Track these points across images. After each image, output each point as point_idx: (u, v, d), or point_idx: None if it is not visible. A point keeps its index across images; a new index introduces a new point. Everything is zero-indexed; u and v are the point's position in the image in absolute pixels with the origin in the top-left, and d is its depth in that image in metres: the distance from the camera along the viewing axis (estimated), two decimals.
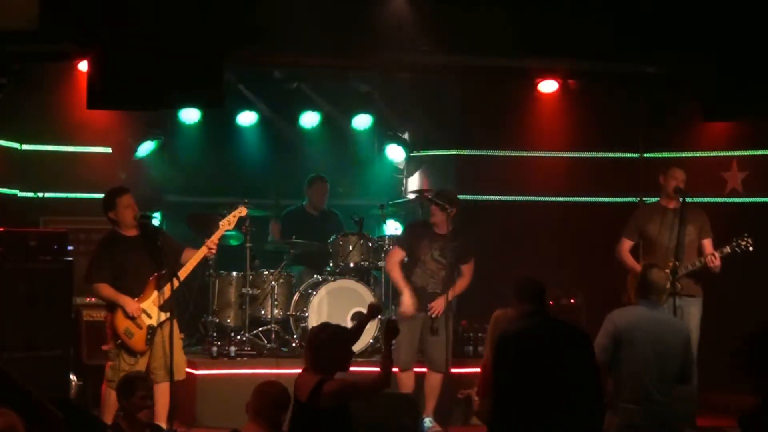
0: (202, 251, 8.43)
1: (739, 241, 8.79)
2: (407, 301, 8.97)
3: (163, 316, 8.14)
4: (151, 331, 8.16)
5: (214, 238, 8.50)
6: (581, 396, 5.90)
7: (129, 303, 8.13)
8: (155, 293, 8.17)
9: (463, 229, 9.19)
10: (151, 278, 8.18)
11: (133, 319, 8.12)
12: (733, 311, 9.65)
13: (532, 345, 5.99)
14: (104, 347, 8.34)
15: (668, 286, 7.99)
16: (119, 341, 8.14)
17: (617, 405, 6.70)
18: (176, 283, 7.96)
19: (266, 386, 5.90)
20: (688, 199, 9.01)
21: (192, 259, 8.36)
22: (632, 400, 6.65)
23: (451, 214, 8.89)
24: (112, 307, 8.21)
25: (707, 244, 9.01)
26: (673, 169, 9.11)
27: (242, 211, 8.88)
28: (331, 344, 6.02)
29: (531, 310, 6.09)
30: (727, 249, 8.83)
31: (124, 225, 8.31)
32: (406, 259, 9.17)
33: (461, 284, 9.12)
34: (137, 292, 8.18)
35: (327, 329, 6.16)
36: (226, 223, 8.68)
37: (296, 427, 5.88)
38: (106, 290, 8.17)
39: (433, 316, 8.94)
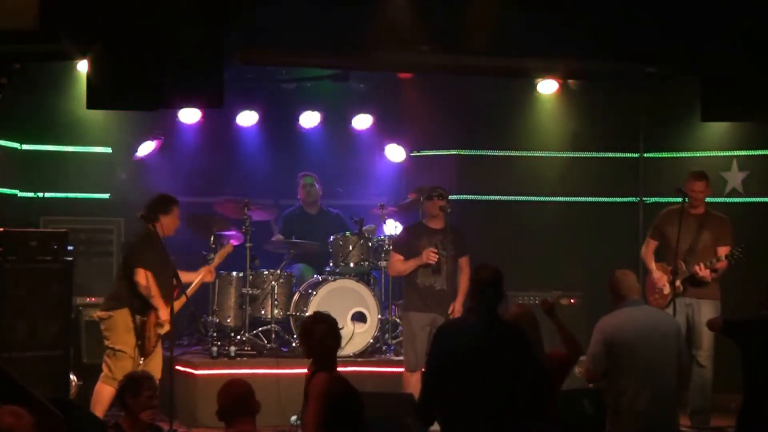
0: (200, 277, 8.94)
1: (734, 252, 8.85)
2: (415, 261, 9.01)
3: (168, 328, 8.24)
4: (159, 338, 8.31)
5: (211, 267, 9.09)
6: (513, 399, 5.73)
7: (164, 310, 8.19)
8: (168, 306, 8.23)
9: (456, 223, 9.24)
10: (172, 288, 8.28)
11: (159, 325, 8.24)
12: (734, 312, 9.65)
13: (462, 343, 5.84)
14: (115, 346, 8.32)
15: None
16: (140, 342, 8.17)
17: (619, 410, 6.68)
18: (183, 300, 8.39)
19: (225, 386, 5.89)
20: (687, 200, 9.06)
21: (197, 281, 8.82)
22: (632, 402, 6.63)
23: (447, 209, 8.93)
24: (140, 306, 8.23)
25: (722, 251, 9.05)
26: (690, 181, 9.20)
27: (228, 248, 9.33)
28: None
29: (471, 306, 6.01)
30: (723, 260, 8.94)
31: (165, 230, 8.44)
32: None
33: (464, 280, 9.11)
34: (165, 298, 8.27)
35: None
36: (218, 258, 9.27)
37: None
38: (152, 282, 8.18)
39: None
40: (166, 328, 8.26)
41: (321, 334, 6.00)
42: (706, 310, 8.91)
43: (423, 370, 6.36)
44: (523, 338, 5.94)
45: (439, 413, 5.85)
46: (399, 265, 9.16)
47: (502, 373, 5.74)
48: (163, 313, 8.16)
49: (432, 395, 5.84)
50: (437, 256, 8.91)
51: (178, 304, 8.29)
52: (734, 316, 7.06)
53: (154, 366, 8.23)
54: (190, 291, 8.67)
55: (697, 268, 8.84)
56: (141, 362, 8.25)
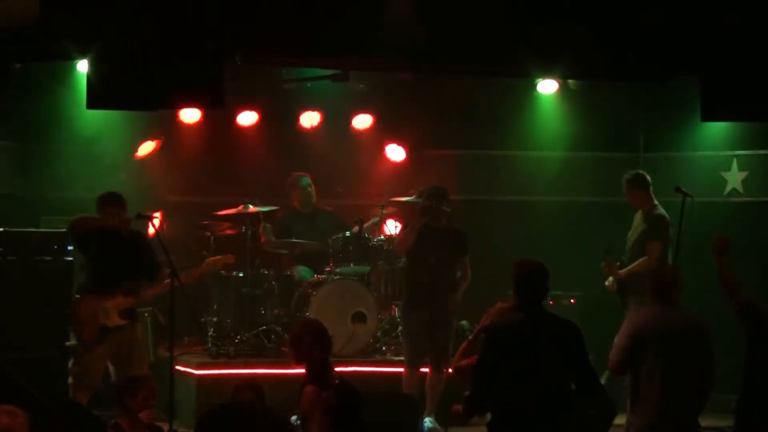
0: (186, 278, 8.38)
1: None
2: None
3: (119, 322, 8.07)
4: (103, 331, 8.05)
5: (195, 272, 8.58)
6: (570, 392, 5.82)
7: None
8: (122, 298, 8.10)
9: (456, 223, 9.27)
10: (123, 282, 8.14)
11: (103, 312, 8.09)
12: (733, 312, 9.64)
13: (516, 339, 5.85)
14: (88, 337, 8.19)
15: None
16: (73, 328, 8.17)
17: (638, 405, 6.68)
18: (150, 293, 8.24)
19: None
20: (688, 199, 9.09)
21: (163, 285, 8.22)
22: (654, 400, 6.63)
23: (447, 210, 8.94)
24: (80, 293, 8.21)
25: (649, 246, 9.20)
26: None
27: (229, 259, 8.95)
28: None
29: (518, 304, 5.97)
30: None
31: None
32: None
33: (463, 279, 9.15)
34: (109, 288, 8.10)
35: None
36: (211, 264, 8.79)
37: None
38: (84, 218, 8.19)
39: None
40: (110, 319, 8.03)
41: (308, 345, 6.02)
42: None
43: (473, 367, 6.29)
44: (576, 331, 5.95)
45: (491, 408, 5.88)
46: (405, 240, 9.14)
47: (556, 367, 5.79)
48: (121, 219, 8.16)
49: (484, 394, 5.85)
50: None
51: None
52: (759, 306, 7.00)
53: (123, 357, 8.09)
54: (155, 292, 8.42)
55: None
56: (90, 356, 8.08)
